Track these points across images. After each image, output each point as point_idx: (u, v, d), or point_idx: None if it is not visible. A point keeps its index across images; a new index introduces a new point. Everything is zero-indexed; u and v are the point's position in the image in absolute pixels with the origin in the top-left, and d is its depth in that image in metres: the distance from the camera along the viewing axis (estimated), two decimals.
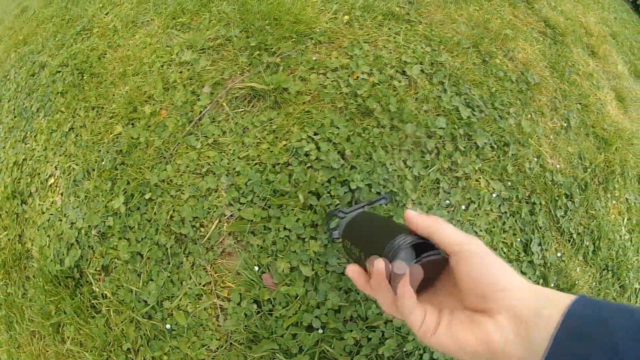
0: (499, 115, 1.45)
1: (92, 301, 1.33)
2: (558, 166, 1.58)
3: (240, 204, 1.19)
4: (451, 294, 0.45)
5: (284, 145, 1.20)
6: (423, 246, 0.44)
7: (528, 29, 1.88)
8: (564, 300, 0.36)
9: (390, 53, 1.40)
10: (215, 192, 1.22)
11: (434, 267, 0.44)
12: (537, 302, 0.37)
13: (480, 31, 1.65)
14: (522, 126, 1.49)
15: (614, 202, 1.82)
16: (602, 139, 1.85)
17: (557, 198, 1.52)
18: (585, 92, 1.87)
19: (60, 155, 1.61)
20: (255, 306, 1.16)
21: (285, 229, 1.15)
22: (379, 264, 0.43)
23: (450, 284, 0.45)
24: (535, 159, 1.50)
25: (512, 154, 1.42)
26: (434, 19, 1.59)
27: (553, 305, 0.36)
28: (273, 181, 1.17)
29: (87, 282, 1.36)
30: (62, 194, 1.54)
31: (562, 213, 1.51)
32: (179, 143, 1.29)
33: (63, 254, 1.42)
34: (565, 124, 1.70)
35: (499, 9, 1.89)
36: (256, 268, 1.16)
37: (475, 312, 0.40)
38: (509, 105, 1.50)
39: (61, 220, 1.48)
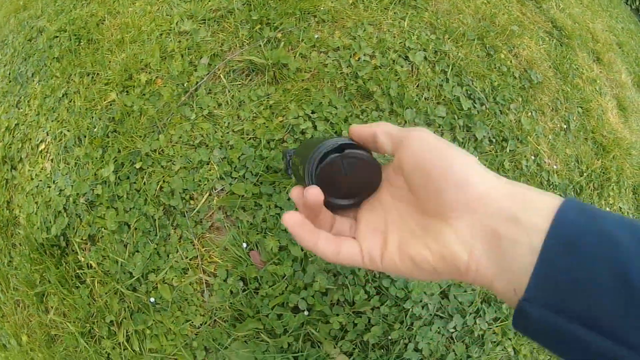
0: (500, 110, 1.43)
1: (77, 271, 1.31)
2: (555, 167, 1.57)
3: (232, 178, 1.16)
4: (400, 199, 0.35)
5: (280, 122, 1.18)
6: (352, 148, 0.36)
7: (535, 27, 1.87)
8: (549, 202, 0.27)
9: (394, 37, 1.38)
10: (207, 164, 1.19)
11: (367, 174, 0.36)
12: (513, 203, 0.27)
13: (487, 24, 1.63)
14: (521, 123, 1.48)
15: (607, 209, 1.82)
16: (600, 145, 1.85)
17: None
18: (587, 97, 1.86)
19: (52, 121, 1.58)
20: (241, 284, 1.14)
21: (276, 206, 1.13)
22: (293, 192, 0.38)
23: (398, 186, 0.36)
24: (533, 157, 1.48)
25: (510, 150, 1.41)
26: (440, 7, 1.57)
27: (535, 208, 0.27)
28: (267, 157, 1.14)
29: (73, 251, 1.33)
30: (52, 160, 1.52)
31: None
32: (173, 113, 1.26)
33: (50, 222, 1.40)
34: (565, 126, 1.69)
35: (507, 5, 1.87)
36: (244, 245, 1.14)
37: (431, 218, 0.31)
38: (510, 100, 1.48)
39: (50, 187, 1.45)
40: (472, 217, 0.28)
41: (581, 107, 1.81)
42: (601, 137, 1.86)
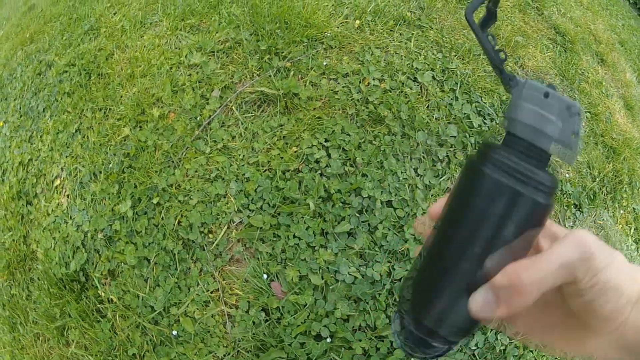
0: None
1: (98, 305, 1.32)
2: (567, 175, 1.57)
3: (250, 210, 1.18)
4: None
5: (295, 152, 1.19)
6: None
7: (538, 35, 1.87)
8: None
9: (402, 59, 1.39)
10: (224, 198, 1.21)
11: None
12: None
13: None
14: None
15: (621, 212, 1.81)
16: (610, 148, 1.84)
17: (566, 207, 1.51)
18: (594, 101, 1.87)
19: (66, 157, 1.60)
20: (263, 314, 1.15)
21: (294, 236, 1.14)
22: None
23: None
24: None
25: None
26: (444, 24, 1.58)
27: None
28: (283, 188, 1.16)
29: (93, 286, 1.35)
30: (68, 196, 1.54)
31: (571, 223, 1.51)
32: (187, 147, 1.28)
33: (69, 257, 1.41)
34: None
35: (510, 15, 1.87)
36: (265, 276, 1.15)
37: (577, 325, 0.30)
38: None
39: (67, 223, 1.47)
40: (616, 334, 0.28)
41: (589, 112, 1.81)
42: (611, 140, 1.86)
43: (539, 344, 0.34)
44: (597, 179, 1.71)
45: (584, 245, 0.27)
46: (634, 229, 1.87)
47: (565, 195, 1.53)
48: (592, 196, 1.66)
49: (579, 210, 1.58)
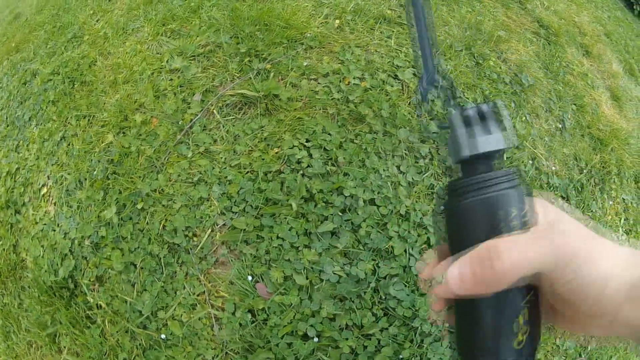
0: None
1: (87, 311, 1.32)
2: (553, 168, 1.58)
3: (233, 213, 1.18)
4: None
5: (276, 153, 1.19)
6: None
7: (522, 29, 1.88)
8: None
9: (382, 57, 1.39)
10: (207, 201, 1.21)
11: None
12: None
13: (473, 33, 1.64)
14: (516, 128, 1.49)
15: (610, 202, 1.81)
16: (597, 139, 1.85)
17: (552, 201, 1.51)
18: (580, 93, 1.87)
19: (52, 165, 1.60)
20: (249, 316, 1.15)
21: (278, 237, 1.14)
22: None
23: None
24: (530, 162, 1.49)
25: (507, 157, 1.42)
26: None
27: None
28: (265, 189, 1.16)
29: (82, 292, 1.35)
30: (55, 204, 1.54)
31: None
32: (170, 152, 1.28)
33: (57, 265, 1.41)
34: (560, 125, 1.69)
35: (492, 10, 1.88)
36: (250, 277, 1.15)
37: (569, 318, 0.30)
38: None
39: (54, 230, 1.47)
40: (606, 327, 0.28)
41: (575, 104, 1.81)
42: (597, 131, 1.86)
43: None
44: (585, 171, 1.71)
45: (563, 247, 0.27)
46: (624, 220, 1.87)
47: (551, 188, 1.53)
48: (579, 188, 1.66)
49: (566, 202, 1.58)
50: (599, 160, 1.80)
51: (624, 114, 2.16)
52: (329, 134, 1.21)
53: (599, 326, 0.28)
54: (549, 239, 0.27)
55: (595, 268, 0.27)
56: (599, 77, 2.14)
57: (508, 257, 0.26)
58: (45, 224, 1.51)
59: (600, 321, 0.27)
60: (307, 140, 1.20)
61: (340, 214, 1.14)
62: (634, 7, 3.84)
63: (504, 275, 0.26)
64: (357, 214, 1.15)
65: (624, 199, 1.90)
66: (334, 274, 1.13)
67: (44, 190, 1.59)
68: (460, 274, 0.28)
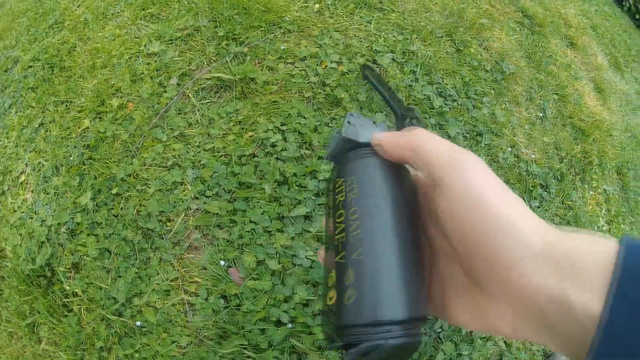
0: (472, 105, 1.44)
1: (64, 300, 1.31)
2: (533, 156, 1.57)
3: (206, 197, 1.16)
4: (442, 240, 0.31)
5: (250, 137, 1.18)
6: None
7: (505, 19, 1.87)
8: (602, 264, 0.22)
9: (361, 42, 1.38)
10: (181, 185, 1.20)
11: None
12: (559, 278, 0.23)
13: (455, 20, 1.63)
14: (496, 116, 1.48)
15: (591, 192, 1.82)
16: (579, 129, 1.85)
17: (532, 188, 1.51)
18: (562, 83, 1.87)
19: (30, 152, 1.58)
20: (222, 301, 1.14)
21: (251, 222, 1.13)
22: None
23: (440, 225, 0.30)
24: (510, 149, 1.49)
25: (486, 144, 1.41)
26: (407, 7, 1.57)
27: (585, 280, 0.22)
28: (239, 173, 1.15)
29: (59, 280, 1.34)
30: (32, 191, 1.52)
31: (537, 204, 1.51)
32: (145, 136, 1.26)
33: (35, 253, 1.40)
34: (541, 114, 1.69)
35: None
36: (222, 262, 1.14)
37: (473, 284, 0.28)
38: (482, 94, 1.48)
39: (32, 218, 1.46)
40: (515, 300, 0.25)
41: (557, 94, 1.81)
42: (579, 122, 1.86)
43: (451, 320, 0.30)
44: (565, 160, 1.71)
45: (464, 158, 0.26)
46: (606, 210, 1.88)
47: (530, 176, 1.53)
48: (559, 177, 1.66)
49: (545, 190, 1.58)
50: (580, 150, 1.80)
51: (607, 106, 2.16)
52: (304, 118, 1.20)
53: (507, 294, 0.25)
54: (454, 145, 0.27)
55: (497, 196, 0.25)
56: (583, 68, 2.14)
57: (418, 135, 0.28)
58: (23, 212, 1.49)
59: (508, 274, 0.24)
60: (282, 124, 1.19)
61: (313, 197, 1.13)
62: (623, 2, 3.85)
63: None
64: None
65: (605, 190, 1.90)
66: (307, 258, 1.12)
67: (22, 177, 1.58)
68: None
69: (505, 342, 1.34)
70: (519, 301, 0.25)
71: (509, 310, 0.25)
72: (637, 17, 3.82)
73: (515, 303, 0.25)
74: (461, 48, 1.57)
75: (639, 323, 0.20)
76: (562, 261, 0.23)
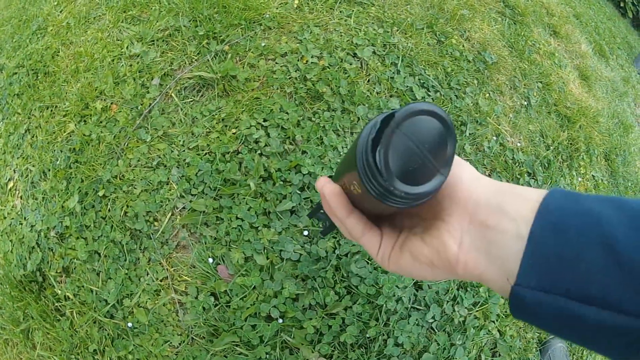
0: (455, 95, 1.45)
1: (56, 304, 1.31)
2: (519, 144, 1.59)
3: (192, 195, 1.17)
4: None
5: (234, 134, 1.19)
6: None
7: (486, 9, 1.88)
8: (535, 194, 0.28)
9: (341, 36, 1.39)
10: (167, 184, 1.20)
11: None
12: (501, 197, 0.29)
13: (435, 12, 1.64)
14: (479, 105, 1.49)
15: (579, 179, 1.83)
16: (565, 117, 1.86)
17: (518, 176, 1.53)
18: (546, 71, 1.88)
19: (18, 158, 1.58)
20: (212, 299, 1.15)
21: (237, 218, 1.14)
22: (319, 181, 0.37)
23: None
24: (495, 138, 1.50)
25: (470, 133, 1.42)
26: (387, 1, 1.58)
27: (521, 200, 0.28)
28: (223, 170, 1.15)
29: (50, 284, 1.34)
30: (21, 197, 1.52)
31: None
32: (129, 137, 1.27)
33: (25, 258, 1.40)
34: (525, 103, 1.70)
35: None
36: (210, 260, 1.15)
37: (432, 220, 0.33)
38: (465, 84, 1.49)
39: (21, 224, 1.46)
40: (463, 212, 0.30)
41: (541, 82, 1.82)
42: (565, 109, 1.88)
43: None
44: (552, 147, 1.72)
45: None
46: None
47: (517, 164, 1.54)
48: (546, 164, 1.67)
49: (532, 178, 1.59)
50: (566, 137, 1.81)
51: (592, 93, 2.18)
52: (287, 113, 1.20)
53: (460, 211, 0.30)
54: None
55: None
56: (567, 56, 2.16)
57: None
58: (12, 219, 1.49)
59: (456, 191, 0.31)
60: (265, 120, 1.20)
61: (298, 192, 1.14)
62: None
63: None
64: (316, 192, 1.15)
65: (593, 176, 1.92)
66: (295, 252, 1.13)
67: (11, 184, 1.58)
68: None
69: (499, 331, 1.35)
70: (467, 212, 0.30)
71: (458, 224, 0.30)
72: (621, 4, 3.85)
73: (463, 214, 0.30)
74: (442, 39, 1.58)
75: (562, 237, 0.25)
76: (504, 189, 0.29)
